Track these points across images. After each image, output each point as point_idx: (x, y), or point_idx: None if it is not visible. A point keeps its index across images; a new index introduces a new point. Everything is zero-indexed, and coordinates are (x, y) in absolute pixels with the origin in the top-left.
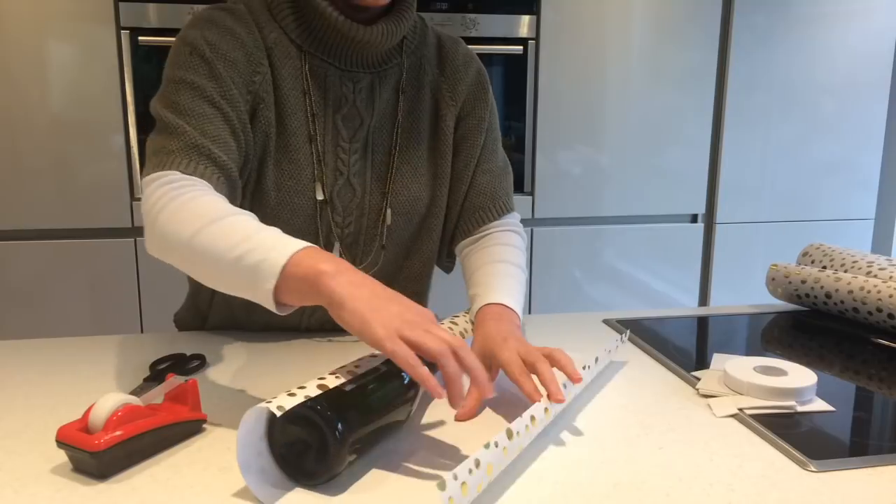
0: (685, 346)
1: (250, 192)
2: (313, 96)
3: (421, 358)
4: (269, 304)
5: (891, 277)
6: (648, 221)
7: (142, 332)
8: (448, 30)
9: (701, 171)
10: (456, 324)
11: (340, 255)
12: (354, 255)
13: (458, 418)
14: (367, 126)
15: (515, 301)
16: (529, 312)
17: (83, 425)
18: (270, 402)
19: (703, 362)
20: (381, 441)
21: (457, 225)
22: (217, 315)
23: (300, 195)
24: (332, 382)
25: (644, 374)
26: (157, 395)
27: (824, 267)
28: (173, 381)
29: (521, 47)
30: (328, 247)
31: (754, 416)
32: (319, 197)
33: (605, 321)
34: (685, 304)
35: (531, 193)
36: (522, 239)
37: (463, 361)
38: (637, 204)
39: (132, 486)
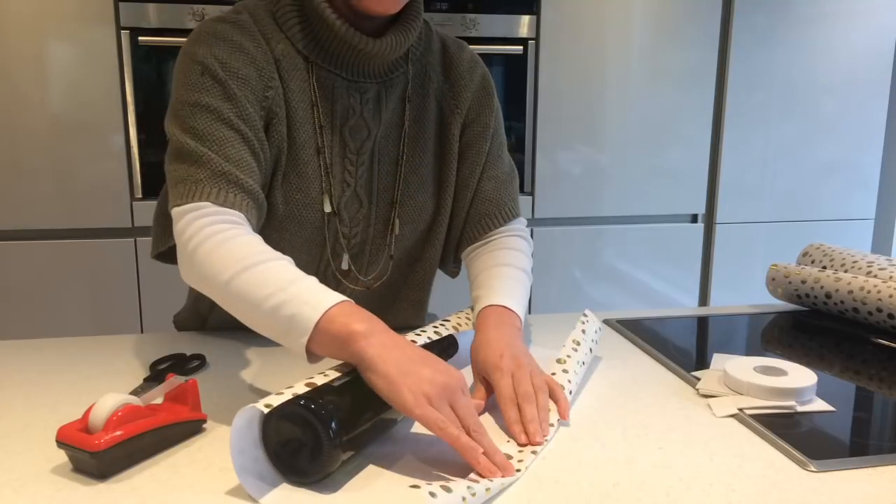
0: (685, 346)
1: None
2: (321, 108)
3: None
4: (301, 356)
5: (891, 277)
6: (648, 221)
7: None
8: (448, 30)
9: (701, 171)
10: (449, 320)
11: (349, 266)
12: (361, 264)
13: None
14: (373, 137)
15: (517, 303)
16: (530, 312)
17: (83, 425)
18: (258, 403)
19: (703, 362)
20: (375, 440)
21: (463, 231)
22: (217, 318)
23: (308, 208)
24: (321, 381)
25: (644, 374)
26: (157, 395)
27: (824, 267)
28: (173, 381)
29: (521, 47)
30: (336, 257)
31: (754, 416)
32: (327, 209)
33: (606, 321)
34: (685, 304)
35: (531, 193)
36: (528, 244)
37: (479, 443)
38: (637, 204)
39: (132, 486)
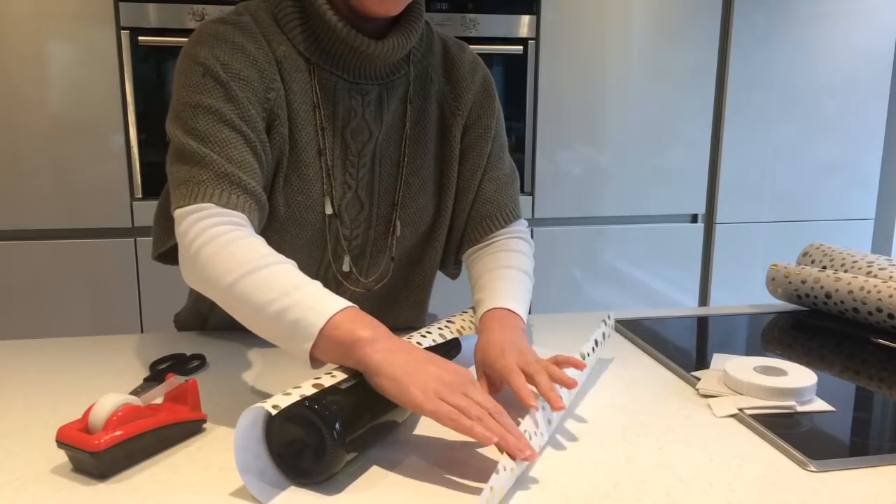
0: (685, 346)
1: None
2: (323, 110)
3: None
4: (304, 362)
5: (891, 277)
6: (648, 221)
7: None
8: (448, 30)
9: (701, 171)
10: (452, 322)
11: (350, 268)
12: (361, 266)
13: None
14: (375, 139)
15: (520, 305)
16: (530, 312)
17: (83, 425)
18: (265, 402)
19: (703, 362)
20: (379, 441)
21: (464, 233)
22: (218, 318)
23: (309, 210)
24: (328, 381)
25: (644, 374)
26: (157, 395)
27: (824, 267)
28: (173, 381)
29: (521, 47)
30: (336, 259)
31: (754, 416)
32: (328, 211)
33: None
34: (685, 304)
35: (531, 193)
36: (529, 245)
37: (502, 424)
38: (637, 204)
39: (132, 486)
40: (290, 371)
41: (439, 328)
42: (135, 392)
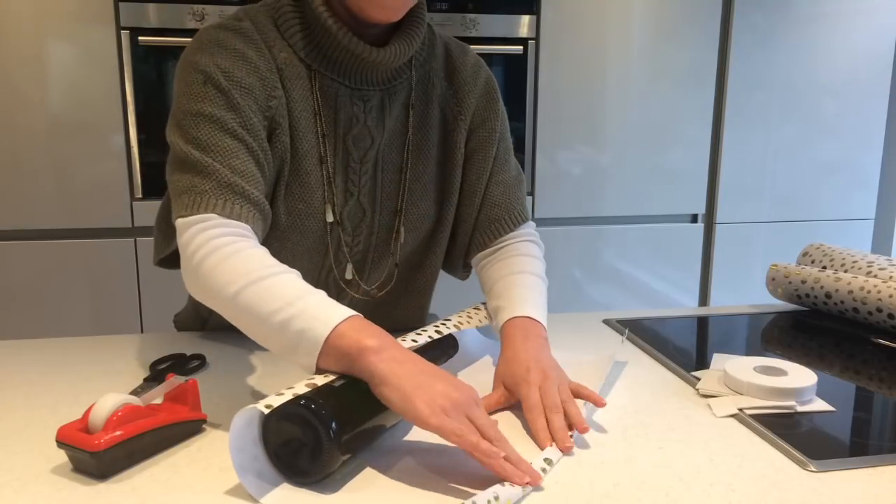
0: (685, 346)
1: None
2: (324, 117)
3: None
4: (309, 371)
5: (891, 277)
6: (648, 221)
7: (142, 332)
8: (448, 30)
9: (701, 171)
10: (450, 319)
11: (353, 276)
12: (363, 273)
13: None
14: (377, 145)
15: (540, 312)
16: None
17: (83, 425)
18: (258, 403)
19: (703, 362)
20: (376, 440)
21: (472, 238)
22: (218, 319)
23: (311, 218)
24: (321, 381)
25: (644, 374)
26: (157, 395)
27: (824, 267)
28: (173, 381)
29: (521, 47)
30: (339, 267)
31: (754, 416)
32: (329, 219)
33: (606, 321)
34: (685, 304)
35: (531, 193)
36: (540, 248)
37: (503, 451)
38: (637, 204)
39: (132, 486)
40: (290, 371)
41: (435, 327)
42: (135, 392)
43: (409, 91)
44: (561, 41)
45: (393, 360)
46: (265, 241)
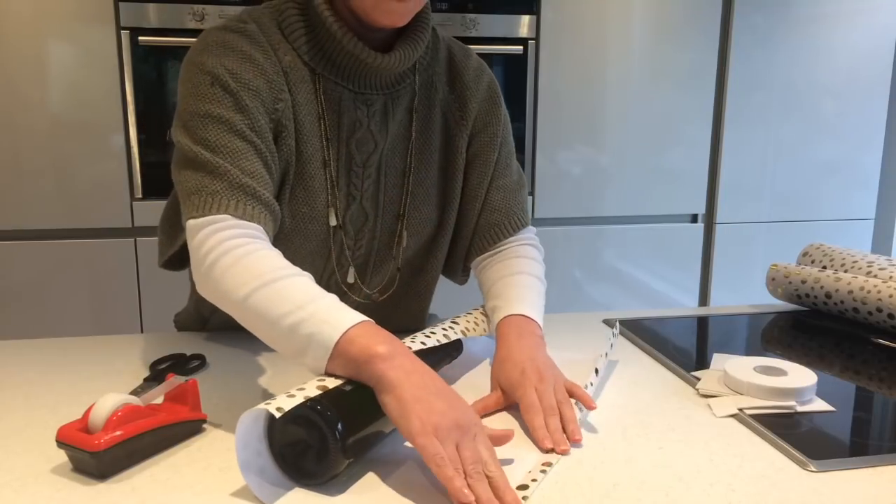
0: (685, 346)
1: None
2: (328, 121)
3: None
4: (317, 374)
5: (891, 277)
6: (648, 221)
7: (142, 332)
8: (448, 30)
9: (701, 171)
10: (457, 323)
11: (355, 280)
12: (364, 276)
13: None
14: (380, 149)
15: (536, 311)
16: None
17: (83, 425)
18: (269, 403)
19: (703, 362)
20: (381, 442)
21: (472, 242)
22: (218, 319)
23: (314, 221)
24: (332, 383)
25: (644, 374)
26: (157, 395)
27: (824, 267)
28: (173, 381)
29: (520, 47)
30: (341, 270)
31: (754, 416)
32: (332, 223)
33: (606, 321)
34: (685, 304)
35: (531, 193)
36: (539, 251)
37: (474, 489)
38: (637, 204)
39: (132, 486)
40: (290, 371)
41: (444, 329)
42: (135, 392)
43: (412, 95)
44: (561, 41)
45: (400, 368)
46: None
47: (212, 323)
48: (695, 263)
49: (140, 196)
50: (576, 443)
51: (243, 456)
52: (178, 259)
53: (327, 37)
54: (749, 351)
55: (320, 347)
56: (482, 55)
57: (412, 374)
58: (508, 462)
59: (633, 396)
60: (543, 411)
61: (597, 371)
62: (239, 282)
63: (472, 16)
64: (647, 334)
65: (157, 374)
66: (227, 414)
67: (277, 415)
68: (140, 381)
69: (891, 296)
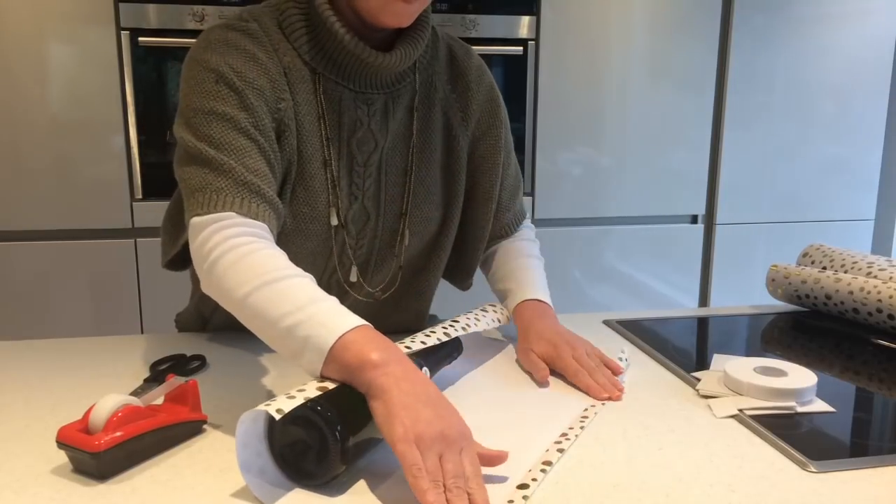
0: (685, 347)
1: None
2: (328, 120)
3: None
4: (314, 376)
5: (891, 278)
6: (648, 222)
7: (142, 332)
8: (448, 30)
9: (701, 171)
10: (457, 321)
11: (357, 278)
12: (366, 275)
13: None
14: (380, 149)
15: (546, 293)
16: None
17: (83, 426)
18: (269, 404)
19: (703, 363)
20: (382, 442)
21: (482, 242)
22: (219, 319)
23: (315, 221)
24: (332, 384)
25: (644, 374)
26: (157, 395)
27: (824, 268)
28: (173, 381)
29: (520, 48)
30: (343, 269)
31: (754, 417)
32: (334, 222)
33: (606, 322)
34: (685, 305)
35: (531, 194)
36: (532, 230)
37: (472, 500)
38: (637, 204)
39: (132, 486)
40: (291, 372)
41: (444, 328)
42: (135, 393)
43: (412, 94)
44: (561, 42)
45: (391, 375)
46: None
47: (212, 323)
48: (695, 264)
49: (140, 197)
50: (621, 392)
51: (243, 456)
52: (181, 259)
53: (328, 36)
54: (749, 351)
55: (315, 351)
56: (482, 55)
57: (402, 381)
58: (502, 480)
59: (632, 397)
60: (589, 371)
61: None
62: (240, 280)
63: (472, 16)
64: (647, 335)
65: (157, 374)
66: (227, 414)
67: (278, 416)
68: (140, 382)
69: (891, 297)
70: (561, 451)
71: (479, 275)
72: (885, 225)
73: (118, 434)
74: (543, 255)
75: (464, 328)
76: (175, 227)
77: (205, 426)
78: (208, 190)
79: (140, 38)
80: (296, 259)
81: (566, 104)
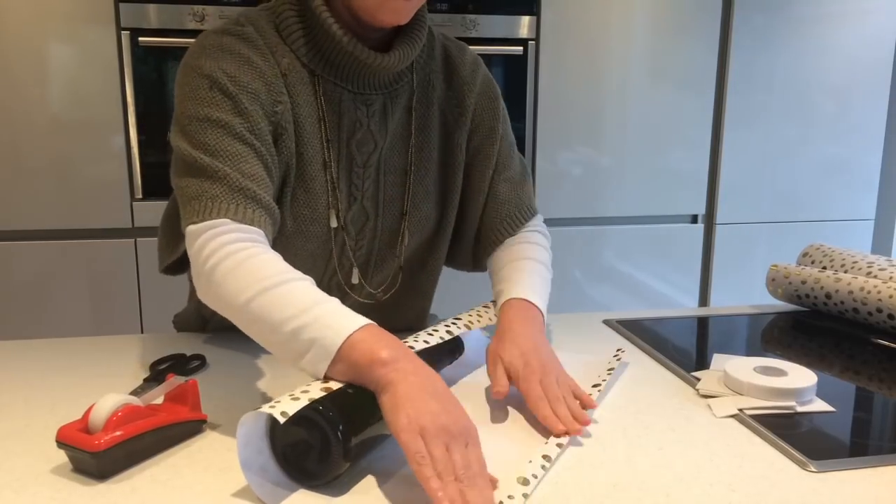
0: (685, 347)
1: None
2: (328, 122)
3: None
4: (318, 377)
5: (891, 278)
6: (648, 222)
7: (142, 332)
8: (448, 30)
9: (701, 171)
10: (460, 318)
11: (358, 280)
12: (366, 276)
13: None
14: (379, 149)
15: (539, 297)
16: None
17: (83, 425)
18: (274, 406)
19: (703, 363)
20: (384, 442)
21: (485, 237)
22: (219, 320)
23: (315, 223)
24: (336, 385)
25: (644, 374)
26: (157, 395)
27: (824, 267)
28: (173, 381)
29: (520, 48)
30: (343, 270)
31: (754, 417)
32: (333, 224)
33: (606, 322)
34: (685, 304)
35: None
36: (546, 238)
37: (462, 493)
38: (637, 204)
39: (132, 486)
40: (290, 372)
41: (446, 326)
42: (135, 392)
43: (410, 94)
44: (561, 42)
45: (401, 371)
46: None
47: (212, 324)
48: (695, 264)
49: (140, 196)
50: (585, 425)
51: (244, 454)
52: (178, 264)
53: (325, 38)
54: (749, 351)
55: (322, 351)
56: (482, 56)
57: (411, 375)
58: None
59: (633, 396)
60: (551, 401)
61: (599, 387)
62: (240, 286)
63: (472, 16)
64: (647, 334)
65: (157, 374)
66: (227, 414)
67: (282, 419)
68: (140, 382)
69: (891, 296)
70: (560, 445)
71: (481, 274)
72: (885, 225)
73: (118, 434)
74: None
75: (466, 326)
76: (174, 235)
77: (204, 426)
78: (203, 198)
79: (140, 38)
80: (295, 262)
81: (566, 104)
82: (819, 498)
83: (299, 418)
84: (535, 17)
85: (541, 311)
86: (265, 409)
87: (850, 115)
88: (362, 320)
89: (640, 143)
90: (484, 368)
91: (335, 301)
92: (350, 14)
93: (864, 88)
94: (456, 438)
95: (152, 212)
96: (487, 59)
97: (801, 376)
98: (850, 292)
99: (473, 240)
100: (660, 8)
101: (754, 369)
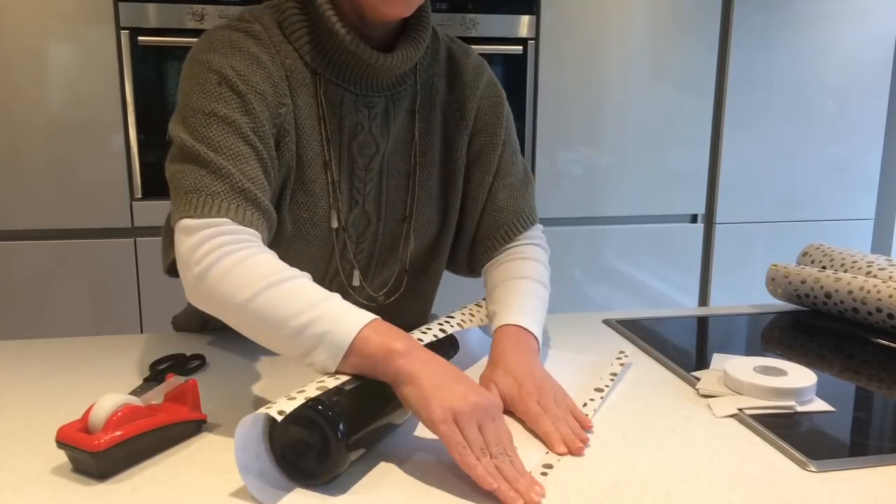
0: (685, 346)
1: None
2: (329, 123)
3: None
4: (325, 373)
5: (891, 277)
6: (648, 221)
7: (142, 332)
8: (448, 30)
9: (701, 171)
10: (453, 317)
11: (360, 282)
12: (367, 279)
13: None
14: (382, 152)
15: (534, 321)
16: None
17: (83, 425)
18: (270, 407)
19: (703, 362)
20: (383, 441)
21: (481, 243)
22: (219, 321)
23: (316, 226)
24: (332, 383)
25: (644, 373)
26: (156, 395)
27: (824, 267)
28: (173, 381)
29: (520, 47)
30: (344, 273)
31: (754, 417)
32: (334, 224)
33: (606, 321)
34: (685, 304)
35: None
36: (545, 252)
37: (500, 469)
38: (637, 204)
39: (132, 486)
40: (291, 372)
41: (440, 324)
42: (134, 392)
43: (413, 97)
44: (561, 41)
45: (418, 360)
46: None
47: (212, 324)
48: (695, 263)
49: (140, 196)
50: (585, 444)
51: (242, 459)
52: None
53: (329, 37)
54: (749, 351)
55: (333, 346)
56: (482, 55)
57: (429, 363)
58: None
59: (632, 396)
60: (551, 418)
61: (602, 392)
62: (240, 284)
63: (472, 16)
64: (646, 334)
65: (156, 374)
66: (226, 414)
67: (279, 418)
68: (140, 382)
69: (890, 296)
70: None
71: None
72: (885, 225)
73: (118, 433)
74: None
75: (459, 324)
76: None
77: (204, 426)
78: (203, 193)
79: (140, 38)
80: (296, 265)
81: (566, 104)
82: (819, 498)
83: (299, 418)
84: (534, 17)
85: (536, 338)
86: (263, 410)
87: (849, 114)
88: (370, 314)
89: (640, 143)
90: (479, 366)
91: (336, 296)
92: (355, 12)
93: (863, 88)
94: (486, 414)
95: (152, 212)
96: (487, 58)
97: (800, 376)
98: (850, 292)
99: (470, 245)
100: (659, 7)
101: (754, 369)
